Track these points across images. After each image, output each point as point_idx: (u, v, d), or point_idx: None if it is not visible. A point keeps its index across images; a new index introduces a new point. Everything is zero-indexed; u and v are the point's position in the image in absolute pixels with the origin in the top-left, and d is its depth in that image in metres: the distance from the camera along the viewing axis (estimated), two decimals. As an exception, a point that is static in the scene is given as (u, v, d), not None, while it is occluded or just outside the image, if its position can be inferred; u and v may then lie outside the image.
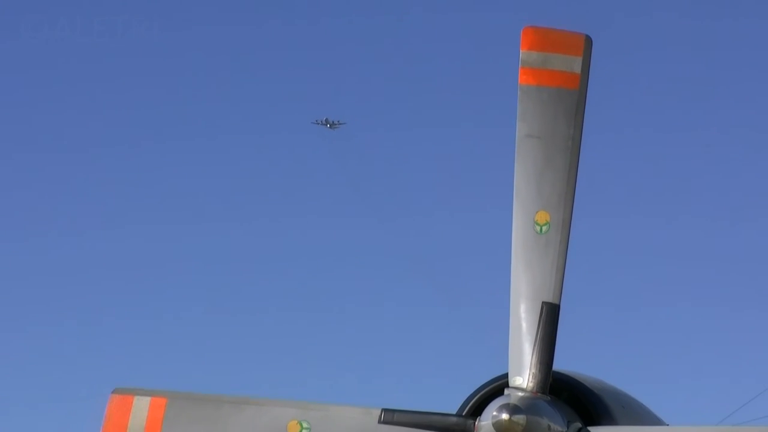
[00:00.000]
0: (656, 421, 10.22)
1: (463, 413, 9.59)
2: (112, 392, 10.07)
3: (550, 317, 9.30)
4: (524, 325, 9.38)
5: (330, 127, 49.03)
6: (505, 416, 9.03)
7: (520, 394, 9.25)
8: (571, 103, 9.47)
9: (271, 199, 53.98)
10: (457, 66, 57.84)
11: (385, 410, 9.49)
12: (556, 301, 9.31)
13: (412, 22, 58.85)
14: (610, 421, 9.64)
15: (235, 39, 61.03)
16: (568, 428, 9.34)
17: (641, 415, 10.17)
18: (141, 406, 9.97)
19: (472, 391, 9.83)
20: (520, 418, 9.01)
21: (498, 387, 9.53)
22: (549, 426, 9.18)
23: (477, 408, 9.51)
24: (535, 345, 9.35)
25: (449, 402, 9.96)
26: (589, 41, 9.46)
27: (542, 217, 9.45)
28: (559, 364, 9.54)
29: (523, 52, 9.46)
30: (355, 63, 59.57)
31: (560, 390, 9.55)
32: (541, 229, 9.45)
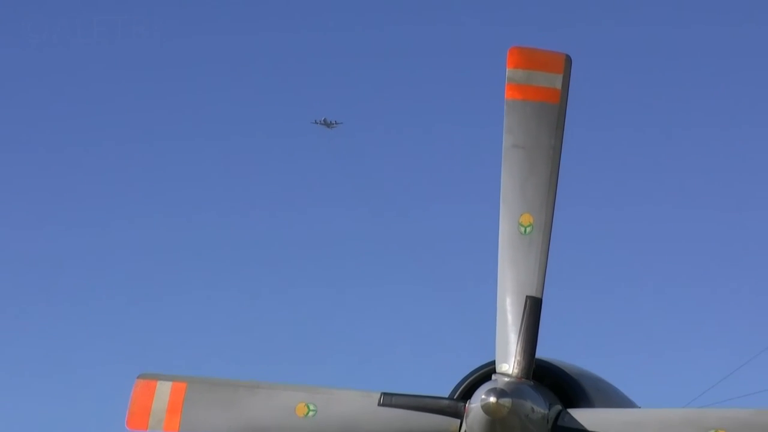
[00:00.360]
0: (628, 404, 10.59)
1: (455, 397, 10.00)
2: (138, 377, 10.39)
3: (533, 310, 9.73)
4: (510, 317, 9.80)
5: (328, 126, 49.64)
6: (492, 399, 9.42)
7: (506, 379, 9.66)
8: (552, 116, 9.92)
9: (276, 193, 54.84)
10: (448, 71, 58.20)
11: (384, 394, 9.92)
12: (538, 295, 9.74)
13: (405, 31, 58.60)
14: (587, 403, 9.99)
15: (237, 43, 60.24)
16: (549, 410, 9.75)
17: (615, 398, 10.53)
18: (163, 390, 10.27)
19: (462, 376, 10.20)
20: (506, 401, 9.40)
21: (486, 373, 9.92)
22: (532, 408, 9.58)
23: (467, 392, 9.91)
24: (519, 335, 9.77)
25: (442, 386, 10.35)
26: (568, 60, 9.95)
27: (526, 219, 9.86)
28: (542, 352, 9.97)
29: (509, 70, 9.92)
30: (351, 67, 59.35)
31: (542, 376, 9.93)
32: (525, 230, 9.86)
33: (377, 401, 9.94)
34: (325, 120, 49.29)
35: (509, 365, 9.79)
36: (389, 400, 9.91)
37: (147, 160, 59.01)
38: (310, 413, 10.09)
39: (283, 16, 64.09)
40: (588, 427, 9.76)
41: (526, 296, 9.81)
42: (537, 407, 9.68)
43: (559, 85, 9.95)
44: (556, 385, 10.06)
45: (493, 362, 9.92)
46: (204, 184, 58.04)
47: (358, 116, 58.97)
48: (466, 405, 9.75)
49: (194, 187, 56.97)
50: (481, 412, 9.55)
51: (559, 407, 9.86)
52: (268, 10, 62.16)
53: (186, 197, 56.68)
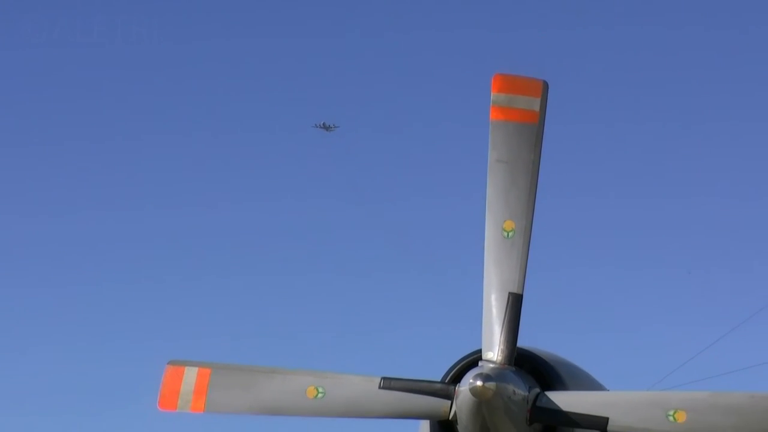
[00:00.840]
0: (599, 387, 11.06)
1: (446, 381, 10.48)
2: (168, 364, 10.84)
3: (514, 304, 10.26)
4: (494, 310, 10.34)
5: (327, 129, 50.05)
6: (479, 383, 9.89)
7: (491, 365, 10.16)
8: (531, 135, 10.53)
9: (281, 190, 55.47)
10: (439, 83, 58.45)
11: (384, 378, 10.37)
12: (519, 292, 10.26)
13: (396, 41, 58.83)
14: (562, 387, 10.48)
15: (240, 48, 60.04)
16: (529, 393, 10.23)
17: (587, 382, 11.00)
18: (190, 375, 10.72)
19: (452, 363, 10.68)
20: (491, 385, 9.87)
21: (473, 360, 10.41)
22: (514, 391, 10.07)
23: (457, 376, 10.38)
24: (503, 326, 10.29)
25: (434, 371, 10.80)
26: (546, 85, 10.57)
27: (509, 225, 10.41)
28: (522, 342, 10.48)
29: (493, 94, 10.56)
30: (347, 73, 59.70)
31: (523, 362, 10.40)
32: (507, 235, 10.39)
33: (378, 385, 10.37)
34: (324, 124, 49.87)
35: (494, 353, 10.24)
36: (388, 383, 10.35)
37: (162, 154, 58.63)
38: (319, 395, 10.47)
39: (283, 16, 63.70)
40: (563, 408, 10.20)
41: (509, 293, 10.31)
42: (518, 390, 10.13)
43: (537, 108, 10.55)
44: (535, 371, 10.50)
45: (480, 350, 10.40)
46: (214, 180, 58.63)
47: (353, 119, 59.63)
48: (456, 388, 10.21)
49: (200, 184, 57.25)
50: (469, 394, 10.00)
51: (537, 390, 10.31)
52: (269, 13, 61.81)
53: (189, 195, 57.03)
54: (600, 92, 56.01)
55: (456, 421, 10.30)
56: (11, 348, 47.06)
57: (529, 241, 10.41)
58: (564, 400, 10.29)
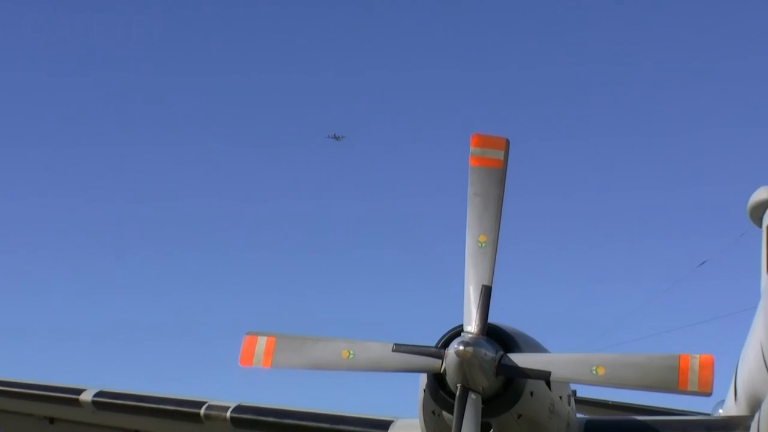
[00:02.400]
0: (544, 350, 11.73)
1: (438, 346, 11.31)
2: (246, 334, 11.58)
3: (486, 293, 11.19)
4: (472, 297, 11.20)
5: (337, 139, 50.77)
6: (461, 347, 10.93)
7: (470, 335, 11.09)
8: (498, 176, 11.53)
9: (294, 191, 58.33)
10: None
11: (395, 344, 11.19)
12: (489, 284, 11.18)
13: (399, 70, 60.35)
14: (519, 350, 11.30)
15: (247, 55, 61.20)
16: (496, 354, 11.10)
17: (536, 346, 11.71)
18: (261, 343, 11.45)
19: (442, 333, 11.49)
20: (470, 349, 10.91)
21: (457, 331, 11.28)
22: (485, 353, 10.98)
23: (446, 343, 11.25)
24: (478, 308, 11.16)
25: (430, 339, 11.55)
26: (508, 141, 11.63)
27: (482, 238, 11.34)
28: (491, 319, 11.37)
29: (471, 148, 11.57)
30: (355, 85, 61.44)
31: (492, 333, 11.27)
32: (482, 245, 11.32)
33: (391, 349, 11.20)
34: (335, 135, 50.59)
35: (472, 326, 11.18)
36: (398, 348, 11.19)
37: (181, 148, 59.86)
38: (351, 356, 11.26)
39: (283, 18, 63.90)
40: (519, 365, 11.06)
41: (482, 285, 11.21)
42: (488, 353, 11.06)
43: (502, 157, 11.57)
44: (500, 339, 11.36)
45: (462, 325, 11.30)
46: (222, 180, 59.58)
47: (358, 129, 60.02)
48: (445, 351, 11.13)
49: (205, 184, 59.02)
50: (454, 355, 10.97)
51: (501, 352, 11.16)
52: (270, 17, 62.24)
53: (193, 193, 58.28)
54: (553, 146, 57.55)
55: (445, 374, 11.13)
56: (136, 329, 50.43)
57: (496, 249, 11.31)
58: (520, 359, 11.09)
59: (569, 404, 12.17)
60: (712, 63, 59.16)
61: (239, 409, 14.70)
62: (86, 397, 15.73)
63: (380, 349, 11.22)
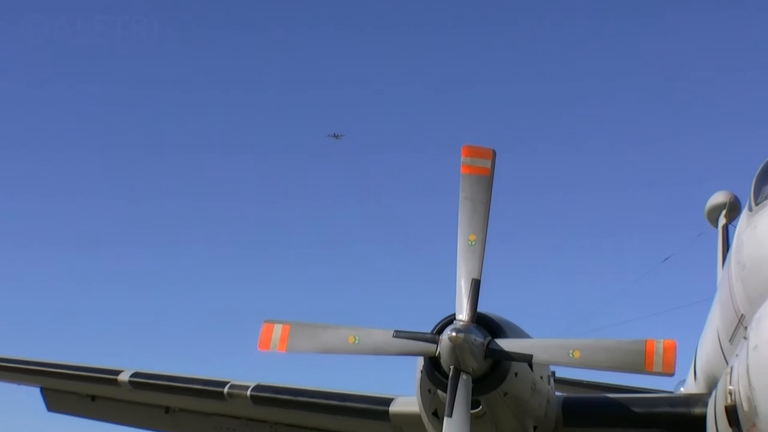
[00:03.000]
0: (526, 336, 11.87)
1: (433, 332, 11.41)
2: (264, 322, 11.69)
3: (475, 286, 11.25)
4: (463, 289, 11.25)
5: (336, 138, 49.74)
6: (454, 334, 11.06)
7: (461, 323, 11.19)
8: (486, 183, 11.61)
9: (300, 188, 58.71)
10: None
11: (395, 330, 11.26)
12: (478, 278, 11.25)
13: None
14: (504, 336, 11.43)
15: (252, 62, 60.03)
16: (484, 339, 11.21)
17: (520, 333, 11.85)
18: (278, 330, 11.52)
19: (437, 321, 11.62)
20: (461, 335, 11.04)
21: (450, 319, 11.39)
22: (475, 339, 11.10)
23: (440, 329, 11.38)
24: (468, 299, 11.22)
25: (426, 326, 11.64)
26: (494, 152, 11.64)
27: (472, 237, 11.39)
28: (480, 308, 11.40)
29: (462, 158, 11.68)
30: (352, 85, 61.07)
31: (480, 321, 11.37)
32: (471, 243, 11.37)
33: (392, 335, 11.28)
34: (335, 134, 49.79)
35: (463, 315, 11.24)
36: (399, 334, 11.28)
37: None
38: (356, 341, 11.33)
39: (284, 17, 62.60)
40: (505, 348, 11.18)
41: (472, 278, 11.26)
42: (477, 338, 11.19)
43: (488, 166, 11.63)
44: (488, 326, 11.46)
45: (454, 314, 11.35)
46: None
47: (355, 128, 60.61)
48: (440, 337, 11.25)
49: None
50: (447, 340, 11.10)
51: (489, 338, 11.28)
52: (270, 18, 60.90)
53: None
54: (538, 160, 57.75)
55: (440, 357, 11.26)
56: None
57: (484, 247, 11.42)
58: (505, 344, 11.27)
59: (549, 383, 12.43)
60: (680, 77, 59.48)
61: (258, 388, 15.08)
62: (124, 377, 16.35)
63: (382, 336, 11.35)
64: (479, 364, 11.23)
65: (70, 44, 54.05)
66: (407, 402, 13.56)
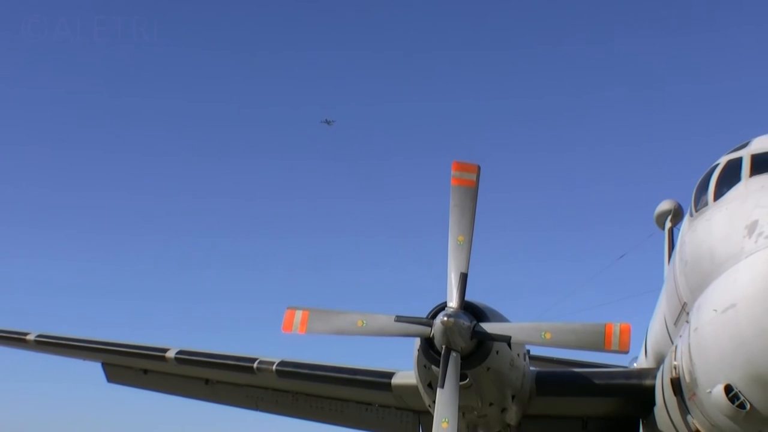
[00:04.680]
0: (506, 320, 11.61)
1: (428, 317, 11.24)
2: (287, 308, 11.36)
3: (463, 278, 11.13)
4: (453, 281, 11.09)
5: (328, 124, 46.48)
6: (445, 318, 11.07)
7: (451, 309, 11.12)
8: (472, 193, 11.42)
9: (297, 179, 58.15)
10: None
11: (396, 315, 11.19)
12: (466, 272, 11.11)
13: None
14: (488, 320, 11.33)
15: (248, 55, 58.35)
16: (470, 323, 11.12)
17: (501, 318, 11.66)
18: (299, 315, 11.24)
19: (431, 307, 11.38)
20: (452, 319, 11.03)
21: (442, 306, 11.34)
22: (463, 323, 11.06)
23: (434, 315, 11.29)
24: (458, 289, 11.04)
25: (422, 311, 11.45)
26: (479, 167, 11.49)
27: (461, 238, 11.21)
28: (468, 296, 11.17)
29: (452, 171, 11.39)
30: (346, 73, 59.87)
31: (467, 308, 11.30)
32: (460, 243, 11.18)
33: (394, 319, 11.24)
34: (326, 120, 46.56)
35: (453, 303, 11.16)
36: (399, 318, 11.25)
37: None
38: (364, 325, 11.19)
39: (284, 16, 61.29)
40: (488, 331, 11.10)
41: (460, 272, 11.13)
42: (465, 322, 11.16)
43: (474, 179, 11.48)
44: (474, 312, 11.40)
45: (446, 302, 11.26)
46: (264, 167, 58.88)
47: (348, 115, 59.71)
48: (434, 321, 11.19)
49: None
50: (440, 324, 11.13)
51: (475, 322, 11.25)
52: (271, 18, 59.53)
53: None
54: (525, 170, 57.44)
55: (433, 338, 11.29)
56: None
57: (471, 246, 11.27)
58: (488, 327, 11.30)
59: (525, 360, 12.55)
60: (643, 90, 58.97)
61: (283, 363, 15.45)
62: (170, 354, 16.90)
63: (385, 320, 11.43)
64: (466, 344, 11.29)
65: (71, 44, 51.75)
66: (406, 375, 13.74)
